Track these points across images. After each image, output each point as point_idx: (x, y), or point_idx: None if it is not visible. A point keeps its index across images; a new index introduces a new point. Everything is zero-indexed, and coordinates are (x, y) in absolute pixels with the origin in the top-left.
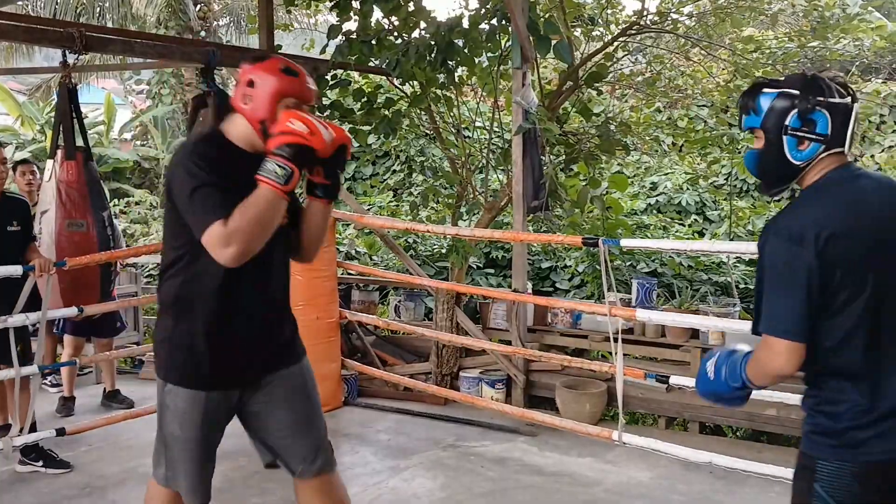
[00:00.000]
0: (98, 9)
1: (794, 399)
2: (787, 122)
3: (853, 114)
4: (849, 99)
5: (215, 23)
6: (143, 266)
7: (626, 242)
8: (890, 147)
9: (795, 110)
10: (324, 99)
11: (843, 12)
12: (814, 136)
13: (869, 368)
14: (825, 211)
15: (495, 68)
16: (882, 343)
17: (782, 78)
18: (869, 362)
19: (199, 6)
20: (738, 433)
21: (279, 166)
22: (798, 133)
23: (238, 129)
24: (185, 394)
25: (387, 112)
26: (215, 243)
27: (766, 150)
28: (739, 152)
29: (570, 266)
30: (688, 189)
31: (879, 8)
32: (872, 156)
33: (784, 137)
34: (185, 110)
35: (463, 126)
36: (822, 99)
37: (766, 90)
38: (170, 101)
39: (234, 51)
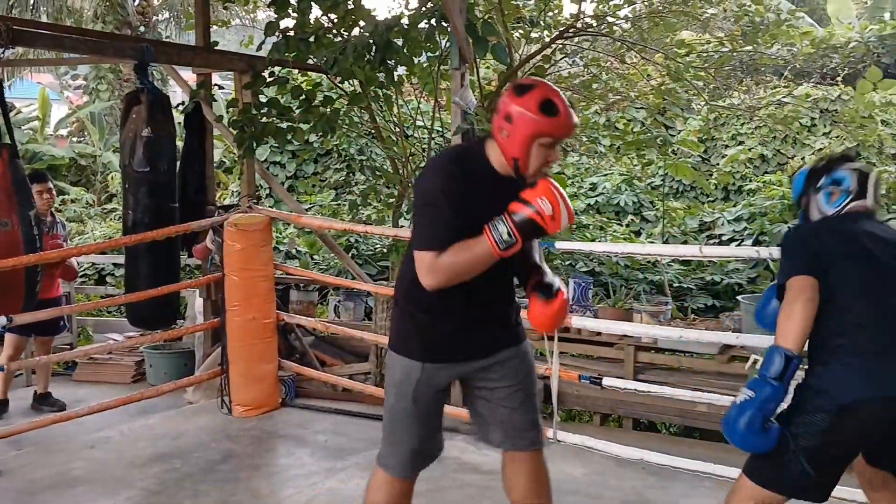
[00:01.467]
0: (32, 2)
1: (725, 400)
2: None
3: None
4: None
5: (155, 18)
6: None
7: (561, 245)
8: (820, 149)
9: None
10: (261, 97)
11: (778, 17)
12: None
13: None
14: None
15: (435, 68)
16: None
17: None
18: None
19: (137, 1)
20: (671, 429)
21: (508, 233)
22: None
23: (495, 154)
24: (401, 363)
25: (325, 110)
26: (422, 268)
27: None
28: (675, 153)
29: None
30: (626, 190)
31: (811, 13)
32: (803, 158)
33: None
34: None
35: (406, 125)
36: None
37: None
38: (107, 97)
39: (170, 47)
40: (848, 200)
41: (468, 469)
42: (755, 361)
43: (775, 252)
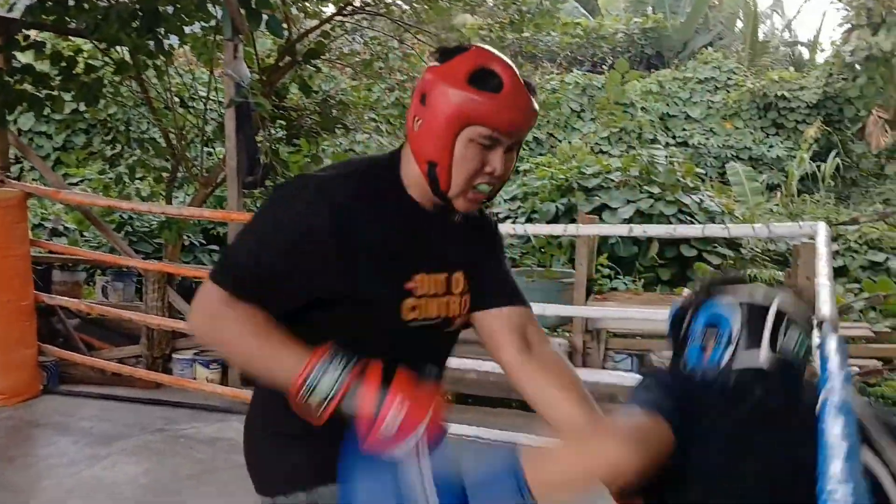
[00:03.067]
0: None
1: (488, 365)
2: None
3: None
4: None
5: None
6: None
7: None
8: (585, 134)
9: None
10: (15, 62)
11: (554, 5)
12: None
13: None
14: None
15: (211, 38)
16: None
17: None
18: None
19: None
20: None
21: (326, 397)
22: None
23: (410, 168)
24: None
25: (87, 78)
26: (201, 301)
27: None
28: None
29: None
30: None
31: (585, 4)
32: (570, 141)
33: None
34: None
35: (186, 96)
36: None
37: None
38: None
39: None
40: (727, 356)
41: (241, 449)
42: None
43: (530, 228)
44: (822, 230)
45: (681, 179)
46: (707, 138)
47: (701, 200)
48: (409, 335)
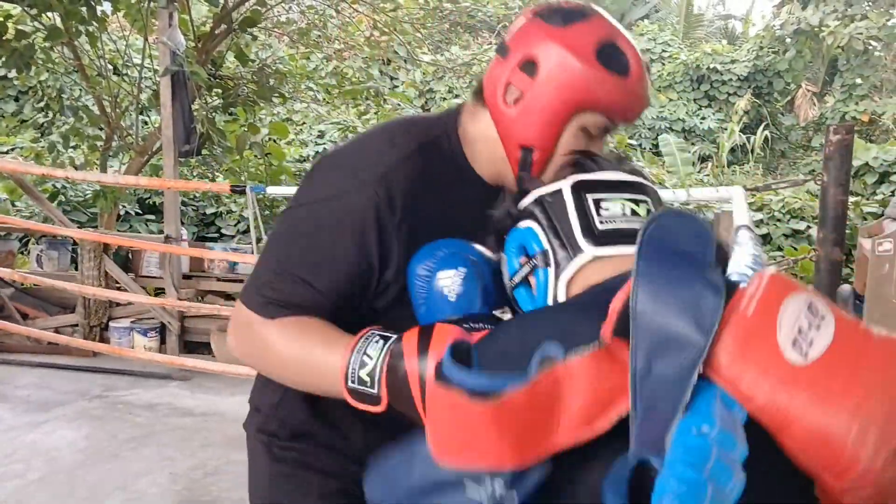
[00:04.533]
0: None
1: None
2: None
3: None
4: None
5: None
6: None
7: (272, 190)
8: None
9: None
10: None
11: None
12: None
13: None
14: None
15: (145, 5)
16: None
17: None
18: None
19: None
20: None
21: (373, 376)
22: None
23: (481, 141)
24: None
25: (18, 45)
26: (233, 327)
27: None
28: (401, 105)
29: (235, 212)
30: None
31: None
32: None
33: None
34: None
35: (120, 64)
36: None
37: None
38: None
39: None
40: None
41: (180, 413)
42: None
43: None
44: (737, 194)
45: (613, 150)
46: None
47: None
48: None
